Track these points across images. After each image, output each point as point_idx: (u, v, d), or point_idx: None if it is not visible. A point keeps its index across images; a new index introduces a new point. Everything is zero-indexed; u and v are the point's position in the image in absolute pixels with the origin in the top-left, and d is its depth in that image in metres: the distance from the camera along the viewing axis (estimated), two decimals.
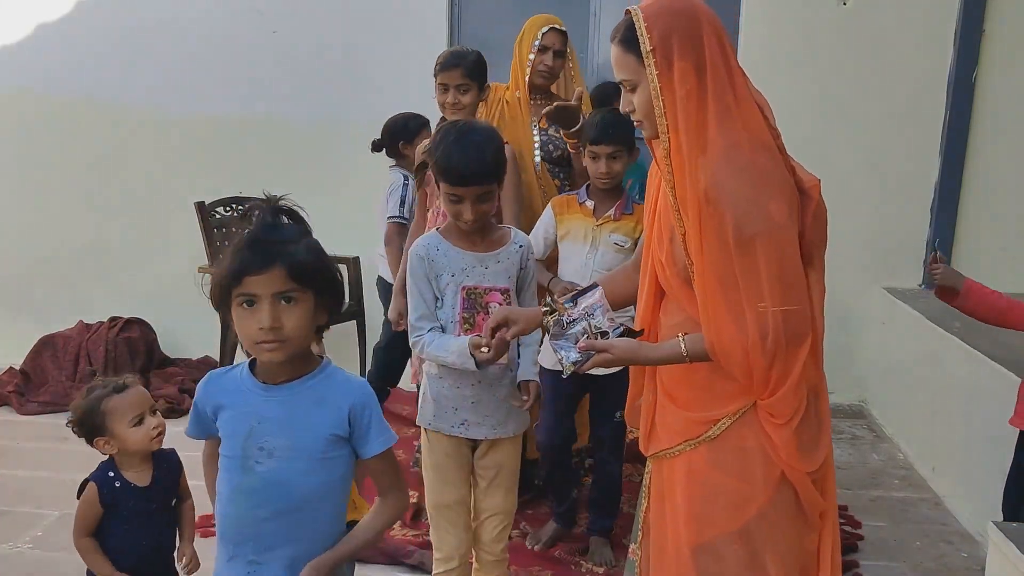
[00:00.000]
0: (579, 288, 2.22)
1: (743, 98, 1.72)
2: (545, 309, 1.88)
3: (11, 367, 4.69)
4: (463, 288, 2.24)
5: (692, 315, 1.78)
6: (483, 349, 2.09)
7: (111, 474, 2.11)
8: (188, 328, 4.88)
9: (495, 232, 2.31)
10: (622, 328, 1.84)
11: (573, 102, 3.09)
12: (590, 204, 2.89)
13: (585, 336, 1.82)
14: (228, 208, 4.70)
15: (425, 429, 2.37)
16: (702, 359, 1.78)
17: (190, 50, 4.80)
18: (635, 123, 1.82)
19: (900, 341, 4.23)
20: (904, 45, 4.36)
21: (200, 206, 4.54)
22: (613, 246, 2.84)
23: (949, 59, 4.32)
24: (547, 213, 2.96)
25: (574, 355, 1.80)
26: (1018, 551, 2.31)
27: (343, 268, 4.46)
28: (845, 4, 4.36)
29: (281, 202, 1.59)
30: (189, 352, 4.94)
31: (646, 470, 2.00)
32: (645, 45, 1.69)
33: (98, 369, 4.51)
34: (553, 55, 3.24)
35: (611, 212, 2.86)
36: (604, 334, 1.82)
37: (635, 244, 2.76)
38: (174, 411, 4.24)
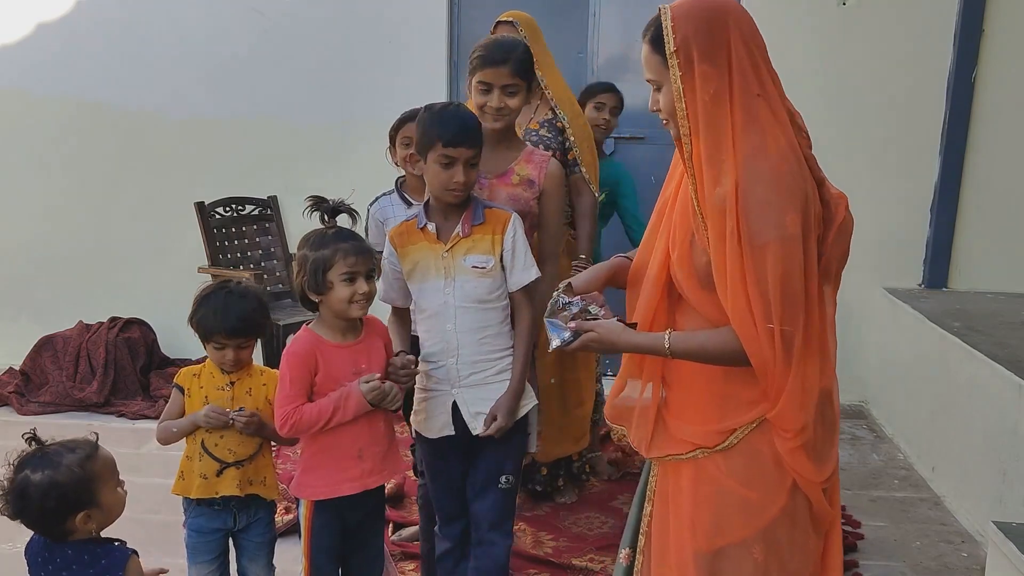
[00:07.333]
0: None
1: (774, 104, 1.68)
2: (560, 288, 1.90)
3: (11, 367, 4.69)
4: None
5: (709, 317, 1.76)
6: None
7: None
8: (188, 328, 4.87)
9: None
10: (616, 319, 1.86)
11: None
12: (432, 227, 2.29)
13: (577, 319, 1.87)
14: (228, 208, 4.70)
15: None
16: (685, 358, 1.77)
17: (190, 51, 4.80)
18: (663, 122, 1.78)
19: (900, 341, 4.23)
20: (904, 45, 4.35)
21: (200, 206, 4.54)
22: (472, 271, 2.26)
23: (949, 59, 4.32)
24: (386, 248, 2.38)
25: (566, 335, 1.84)
26: (1018, 551, 2.31)
27: None
28: (845, 4, 4.36)
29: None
30: (189, 352, 4.93)
31: (651, 473, 1.94)
32: (669, 46, 1.66)
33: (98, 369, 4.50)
34: None
35: (458, 229, 2.27)
36: (596, 320, 1.86)
37: (499, 264, 2.28)
38: None
